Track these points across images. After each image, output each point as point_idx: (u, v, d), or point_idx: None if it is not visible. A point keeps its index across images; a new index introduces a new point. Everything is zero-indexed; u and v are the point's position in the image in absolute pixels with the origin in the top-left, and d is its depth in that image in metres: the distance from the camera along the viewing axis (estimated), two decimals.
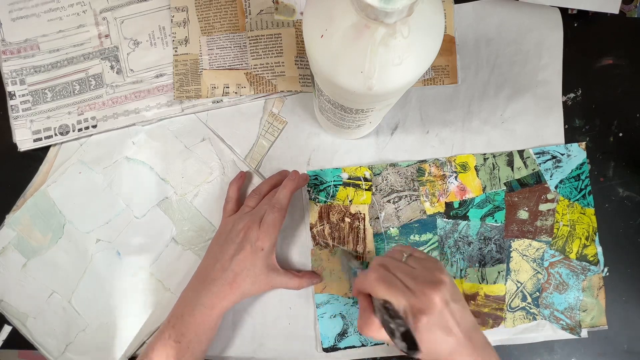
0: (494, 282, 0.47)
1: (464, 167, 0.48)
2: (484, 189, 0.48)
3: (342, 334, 0.47)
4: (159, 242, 0.48)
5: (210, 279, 0.41)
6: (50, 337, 0.48)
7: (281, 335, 0.47)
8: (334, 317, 0.47)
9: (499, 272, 0.47)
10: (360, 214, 0.48)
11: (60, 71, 0.48)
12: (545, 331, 0.47)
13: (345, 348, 0.47)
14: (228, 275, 0.41)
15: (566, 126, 0.48)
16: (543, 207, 0.47)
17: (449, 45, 0.48)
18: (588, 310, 0.47)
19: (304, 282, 0.45)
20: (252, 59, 0.48)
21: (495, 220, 0.47)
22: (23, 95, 0.48)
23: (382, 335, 0.34)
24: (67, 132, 0.48)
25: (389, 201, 0.48)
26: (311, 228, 0.48)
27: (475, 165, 0.48)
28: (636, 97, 0.48)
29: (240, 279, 0.41)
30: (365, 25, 0.24)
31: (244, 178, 0.47)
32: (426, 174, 0.48)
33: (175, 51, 0.48)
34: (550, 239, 0.47)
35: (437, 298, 0.33)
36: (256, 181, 0.48)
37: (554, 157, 0.48)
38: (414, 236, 0.47)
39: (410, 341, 0.30)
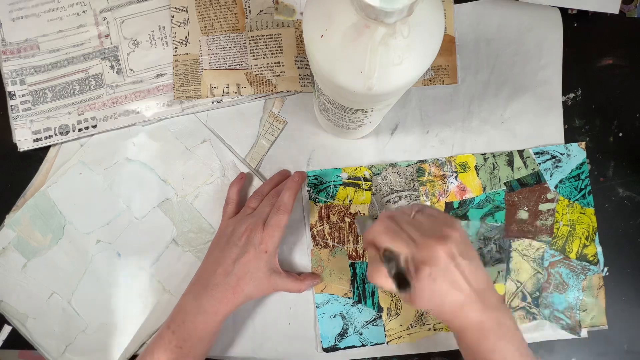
0: (494, 282, 0.47)
1: (464, 167, 0.48)
2: (484, 189, 0.48)
3: (342, 334, 0.47)
4: (159, 243, 0.48)
5: (212, 284, 0.41)
6: (50, 338, 0.48)
7: (281, 335, 0.47)
8: (334, 317, 0.47)
9: (499, 272, 0.47)
10: (360, 214, 0.47)
11: (60, 71, 0.48)
12: (545, 331, 0.47)
13: (345, 348, 0.47)
14: (231, 279, 0.41)
15: (566, 126, 0.48)
16: (543, 207, 0.47)
17: (449, 45, 0.48)
18: (588, 310, 0.47)
19: (305, 285, 0.45)
20: (252, 59, 0.48)
21: (495, 220, 0.47)
22: (23, 95, 0.48)
23: (388, 284, 0.34)
24: (67, 132, 0.48)
25: (389, 201, 0.48)
26: (311, 228, 0.48)
27: (475, 165, 0.48)
28: (636, 97, 0.48)
29: (243, 283, 0.41)
30: (365, 25, 0.24)
31: (244, 179, 0.47)
32: (426, 174, 0.48)
33: (175, 51, 0.48)
34: (550, 239, 0.47)
35: (442, 251, 0.32)
36: (256, 183, 0.48)
37: (553, 157, 0.48)
38: None
39: (401, 278, 0.30)
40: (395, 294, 0.37)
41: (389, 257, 0.32)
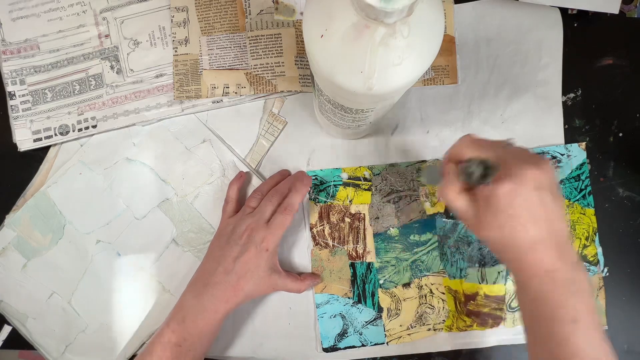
0: (494, 282, 0.47)
1: None
2: None
3: (342, 334, 0.47)
4: (159, 243, 0.48)
5: (212, 283, 0.41)
6: (50, 338, 0.48)
7: (281, 335, 0.47)
8: (334, 317, 0.47)
9: (498, 272, 0.47)
10: (360, 214, 0.47)
11: (60, 71, 0.48)
12: None
13: (345, 348, 0.47)
14: (231, 278, 0.41)
15: (566, 126, 0.48)
16: None
17: (449, 45, 0.48)
18: None
19: (305, 285, 0.45)
20: (252, 59, 0.48)
21: None
22: (23, 95, 0.48)
23: (460, 202, 0.32)
24: (67, 132, 0.48)
25: (388, 201, 0.48)
26: (311, 228, 0.48)
27: None
28: (636, 97, 0.48)
29: (243, 281, 0.41)
30: (365, 25, 0.24)
31: (243, 178, 0.47)
32: None
33: (175, 51, 0.48)
34: None
35: (531, 174, 0.29)
36: (255, 182, 0.48)
37: (553, 157, 0.48)
38: (414, 236, 0.47)
39: (488, 165, 0.27)
40: (461, 219, 0.33)
41: (475, 162, 0.29)
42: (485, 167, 0.28)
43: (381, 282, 0.47)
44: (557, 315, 0.30)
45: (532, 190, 0.29)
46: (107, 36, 0.48)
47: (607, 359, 0.30)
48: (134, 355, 0.48)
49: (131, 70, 0.48)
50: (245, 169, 0.48)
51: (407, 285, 0.47)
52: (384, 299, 0.47)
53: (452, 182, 0.32)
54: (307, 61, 0.37)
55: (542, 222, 0.29)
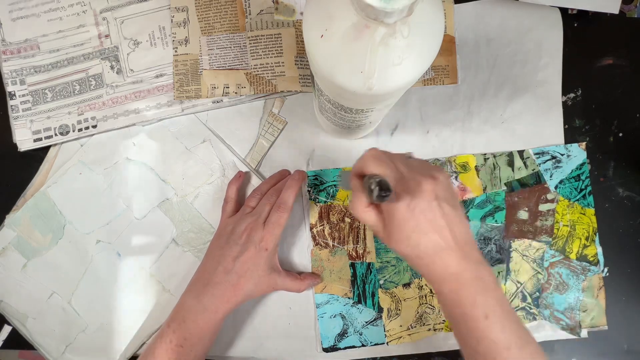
0: None
1: (465, 167, 0.48)
2: (484, 189, 0.48)
3: (342, 334, 0.47)
4: (159, 243, 0.48)
5: (213, 283, 0.41)
6: (50, 338, 0.48)
7: (281, 335, 0.47)
8: (334, 317, 0.47)
9: (499, 272, 0.47)
10: None
11: (60, 71, 0.48)
12: (545, 331, 0.47)
13: (345, 348, 0.47)
14: (231, 277, 0.41)
15: (566, 126, 0.48)
16: (543, 207, 0.47)
17: (449, 45, 0.48)
18: (588, 310, 0.47)
19: (305, 284, 0.45)
20: (252, 59, 0.48)
21: (496, 221, 0.47)
22: (23, 95, 0.48)
23: (368, 216, 0.33)
24: (67, 132, 0.48)
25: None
26: (311, 228, 0.48)
27: (476, 166, 0.48)
28: (636, 97, 0.48)
29: (243, 280, 0.41)
30: (365, 25, 0.24)
31: (242, 178, 0.47)
32: None
33: (175, 51, 0.48)
34: (550, 239, 0.47)
35: (428, 187, 0.31)
36: (255, 182, 0.48)
37: (553, 157, 0.48)
38: None
39: (384, 186, 0.28)
40: (374, 232, 0.35)
41: (373, 181, 0.30)
42: (380, 186, 0.29)
43: (381, 282, 0.47)
44: (470, 314, 0.32)
45: (430, 201, 0.31)
46: (107, 36, 0.48)
47: (520, 341, 0.32)
48: (134, 356, 0.48)
49: (131, 70, 0.48)
50: (245, 169, 0.48)
51: (407, 285, 0.47)
52: (384, 299, 0.47)
53: (358, 197, 0.33)
54: (307, 61, 0.37)
55: (443, 230, 0.31)
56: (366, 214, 0.33)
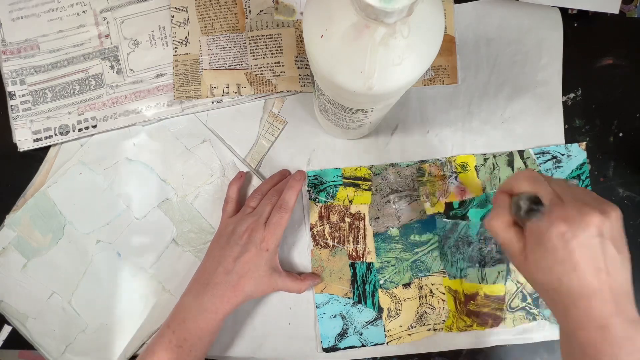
0: (494, 282, 0.47)
1: (464, 167, 0.48)
2: (484, 189, 0.48)
3: (342, 334, 0.47)
4: (160, 243, 0.48)
5: (213, 283, 0.41)
6: (50, 338, 0.48)
7: (281, 335, 0.47)
8: (334, 317, 0.47)
9: (499, 272, 0.47)
10: (360, 214, 0.47)
11: (60, 71, 0.48)
12: (545, 331, 0.47)
13: (345, 348, 0.47)
14: (232, 278, 0.41)
15: (566, 126, 0.48)
16: None
17: (449, 45, 0.48)
18: None
19: (305, 285, 0.45)
20: (252, 59, 0.48)
21: None
22: (23, 95, 0.48)
23: (506, 234, 0.30)
24: (67, 132, 0.48)
25: (389, 201, 0.48)
26: (311, 228, 0.48)
27: (476, 166, 0.48)
28: (636, 97, 0.48)
29: (244, 281, 0.41)
30: (365, 25, 0.24)
31: (243, 178, 0.47)
32: (426, 174, 0.48)
33: (175, 51, 0.48)
34: None
35: (595, 220, 0.27)
36: (255, 182, 0.48)
37: (554, 157, 0.48)
38: (414, 236, 0.47)
39: (535, 201, 0.26)
40: (506, 253, 0.32)
41: (524, 197, 0.28)
42: (532, 202, 0.27)
43: (381, 282, 0.47)
44: None
45: (593, 236, 0.27)
46: (107, 36, 0.48)
47: None
48: (134, 356, 0.48)
49: (131, 70, 0.48)
50: (245, 169, 0.48)
51: (407, 285, 0.47)
52: (384, 299, 0.47)
53: (501, 214, 0.31)
54: (307, 61, 0.37)
55: (600, 273, 0.27)
56: (506, 232, 0.31)
